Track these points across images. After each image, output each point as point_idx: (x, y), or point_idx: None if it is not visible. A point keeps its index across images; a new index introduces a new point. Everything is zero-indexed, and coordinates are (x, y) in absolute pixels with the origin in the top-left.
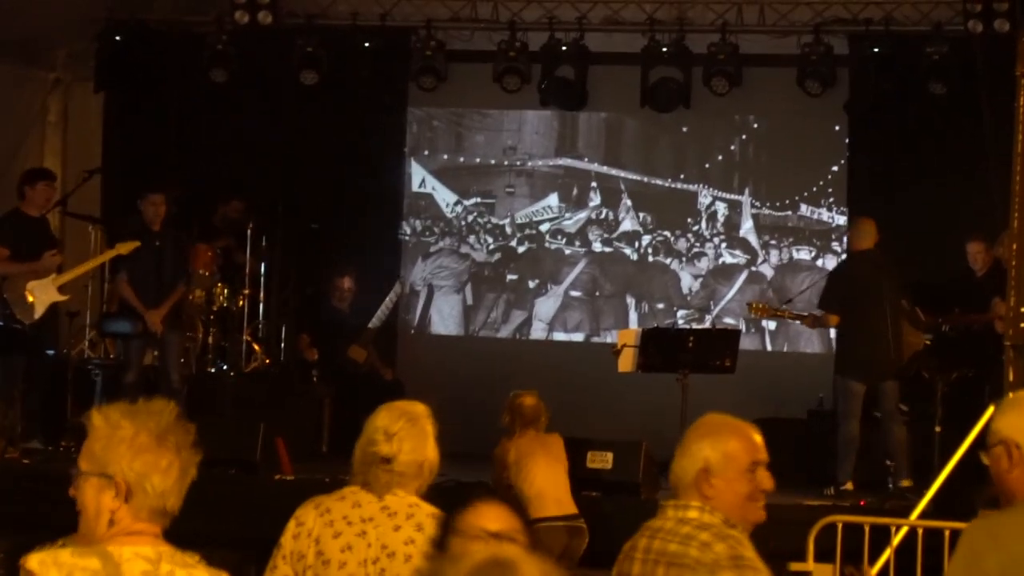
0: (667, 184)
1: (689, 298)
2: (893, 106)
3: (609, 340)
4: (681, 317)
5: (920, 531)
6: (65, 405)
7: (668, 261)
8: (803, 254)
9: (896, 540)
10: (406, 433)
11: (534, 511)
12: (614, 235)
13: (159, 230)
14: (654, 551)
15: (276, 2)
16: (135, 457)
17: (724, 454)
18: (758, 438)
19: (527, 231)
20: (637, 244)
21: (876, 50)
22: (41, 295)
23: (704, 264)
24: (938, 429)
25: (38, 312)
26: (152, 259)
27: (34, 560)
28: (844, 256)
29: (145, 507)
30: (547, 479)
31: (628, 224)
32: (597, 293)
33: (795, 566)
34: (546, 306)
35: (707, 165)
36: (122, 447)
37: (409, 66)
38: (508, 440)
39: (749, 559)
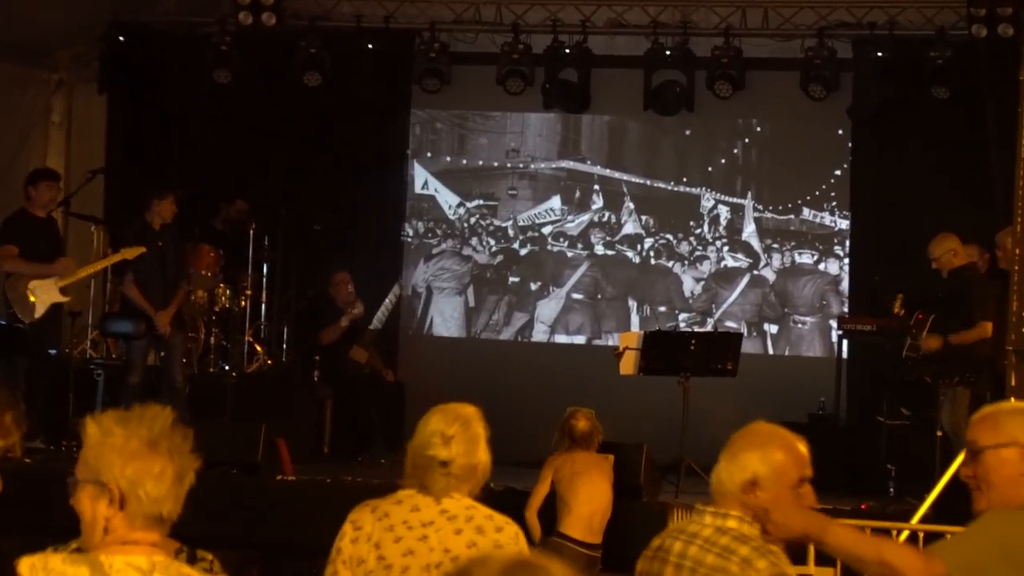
0: (670, 187)
1: (691, 301)
2: (896, 110)
3: (611, 343)
4: (683, 320)
5: (921, 535)
6: (67, 405)
7: (670, 264)
8: (805, 258)
9: None
10: (461, 436)
11: (566, 527)
12: (616, 238)
13: (159, 230)
14: (690, 558)
15: (280, 3)
16: (126, 464)
17: (774, 468)
18: (806, 453)
19: (529, 233)
20: (639, 247)
21: (880, 54)
22: (43, 295)
23: (706, 267)
24: (939, 434)
25: (39, 312)
26: (157, 260)
27: (25, 565)
28: (970, 265)
29: (139, 514)
30: (595, 501)
31: (630, 227)
32: (599, 296)
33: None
34: (548, 308)
35: (710, 168)
36: (113, 454)
37: (412, 68)
38: (563, 454)
39: None
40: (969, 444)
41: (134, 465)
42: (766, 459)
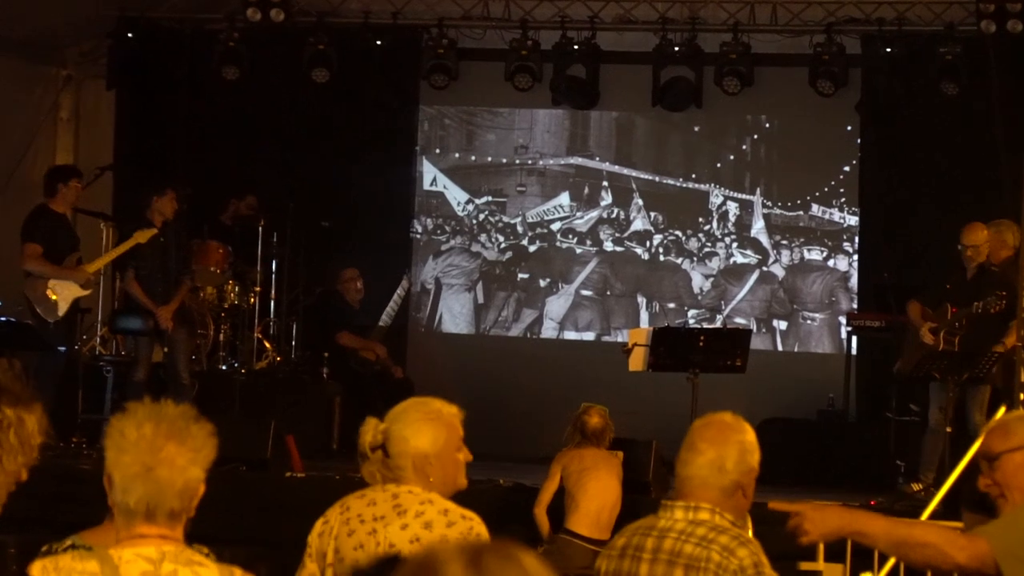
0: (678, 184)
1: (700, 298)
2: (905, 106)
3: (620, 339)
4: (692, 317)
5: None
6: (76, 401)
7: (679, 260)
8: (814, 254)
9: None
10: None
11: (573, 523)
12: (625, 234)
13: (160, 227)
14: (665, 551)
15: (288, 0)
16: (109, 453)
17: (758, 462)
18: None
19: (538, 230)
20: (648, 243)
21: (889, 50)
22: (63, 292)
23: (715, 264)
24: (949, 430)
25: (61, 310)
26: (158, 256)
27: (36, 568)
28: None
29: (115, 502)
30: (603, 497)
31: (639, 223)
32: (608, 292)
33: (805, 565)
34: (557, 305)
35: (718, 165)
36: (107, 445)
37: (420, 64)
38: (572, 449)
39: (767, 565)
40: (984, 454)
41: (111, 455)
42: (758, 452)
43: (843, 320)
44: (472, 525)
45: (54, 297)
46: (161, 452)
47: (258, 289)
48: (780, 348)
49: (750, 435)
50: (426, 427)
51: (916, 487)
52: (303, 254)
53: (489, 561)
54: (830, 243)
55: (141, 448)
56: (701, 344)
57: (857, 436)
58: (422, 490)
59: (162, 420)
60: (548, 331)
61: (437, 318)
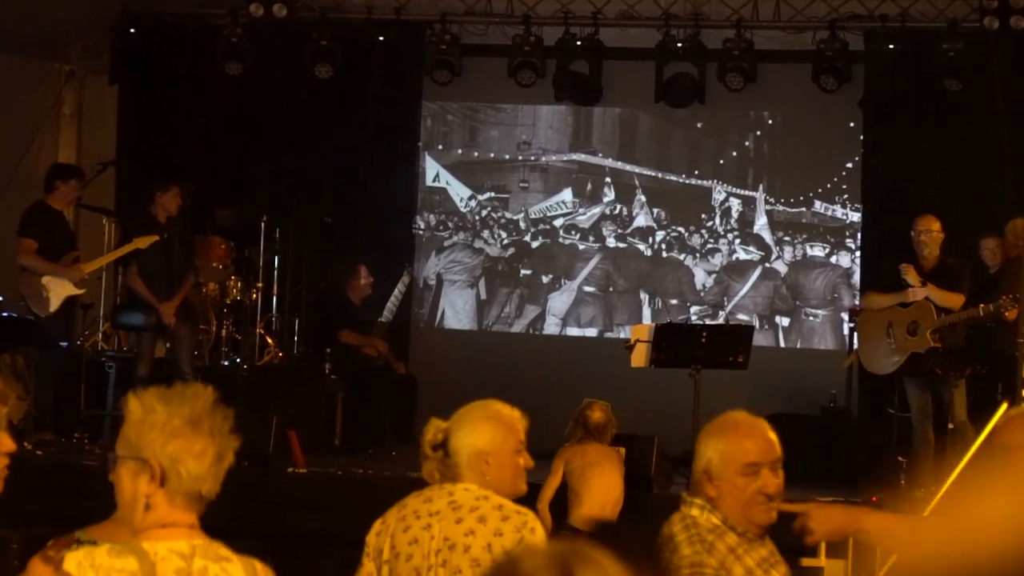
0: (681, 180)
1: (703, 294)
2: (908, 102)
3: (622, 335)
4: (695, 313)
5: None
6: (78, 397)
7: (682, 257)
8: (817, 250)
9: None
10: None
11: (576, 519)
12: (628, 231)
13: (164, 223)
14: (661, 535)
15: None
16: (168, 441)
17: (722, 455)
18: (768, 438)
19: (541, 226)
20: (651, 240)
21: (892, 46)
22: (57, 288)
23: (718, 260)
24: (950, 427)
25: (53, 305)
26: (162, 252)
27: (71, 562)
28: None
29: (180, 492)
30: (606, 492)
31: (642, 220)
32: (611, 288)
33: (807, 562)
34: (560, 301)
35: (721, 161)
36: (154, 431)
37: (423, 60)
38: (574, 445)
39: (712, 568)
40: (1002, 445)
41: (176, 443)
42: (717, 446)
43: (845, 316)
44: (527, 520)
45: (47, 293)
46: (220, 440)
47: (260, 285)
48: (783, 344)
49: (718, 435)
50: (484, 425)
51: (920, 493)
52: (306, 250)
53: (579, 571)
54: (833, 239)
55: (205, 437)
56: (703, 340)
57: (859, 432)
58: (478, 488)
59: (207, 405)
60: (551, 327)
61: (439, 314)
